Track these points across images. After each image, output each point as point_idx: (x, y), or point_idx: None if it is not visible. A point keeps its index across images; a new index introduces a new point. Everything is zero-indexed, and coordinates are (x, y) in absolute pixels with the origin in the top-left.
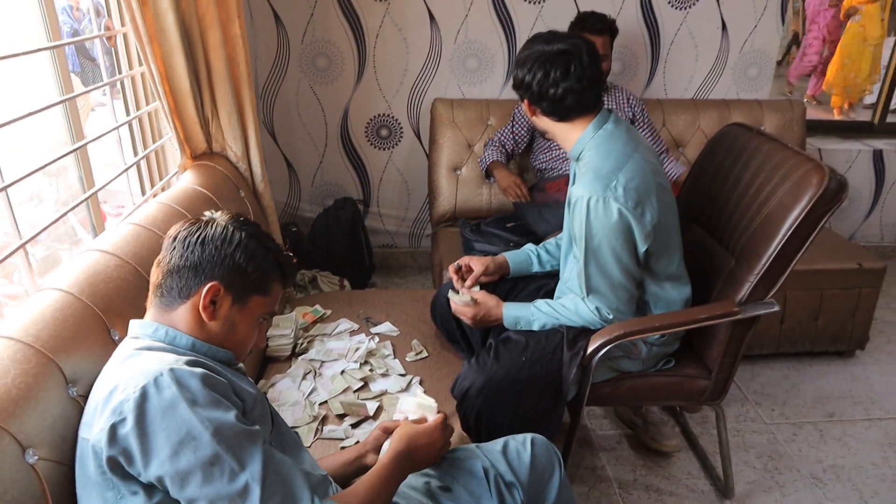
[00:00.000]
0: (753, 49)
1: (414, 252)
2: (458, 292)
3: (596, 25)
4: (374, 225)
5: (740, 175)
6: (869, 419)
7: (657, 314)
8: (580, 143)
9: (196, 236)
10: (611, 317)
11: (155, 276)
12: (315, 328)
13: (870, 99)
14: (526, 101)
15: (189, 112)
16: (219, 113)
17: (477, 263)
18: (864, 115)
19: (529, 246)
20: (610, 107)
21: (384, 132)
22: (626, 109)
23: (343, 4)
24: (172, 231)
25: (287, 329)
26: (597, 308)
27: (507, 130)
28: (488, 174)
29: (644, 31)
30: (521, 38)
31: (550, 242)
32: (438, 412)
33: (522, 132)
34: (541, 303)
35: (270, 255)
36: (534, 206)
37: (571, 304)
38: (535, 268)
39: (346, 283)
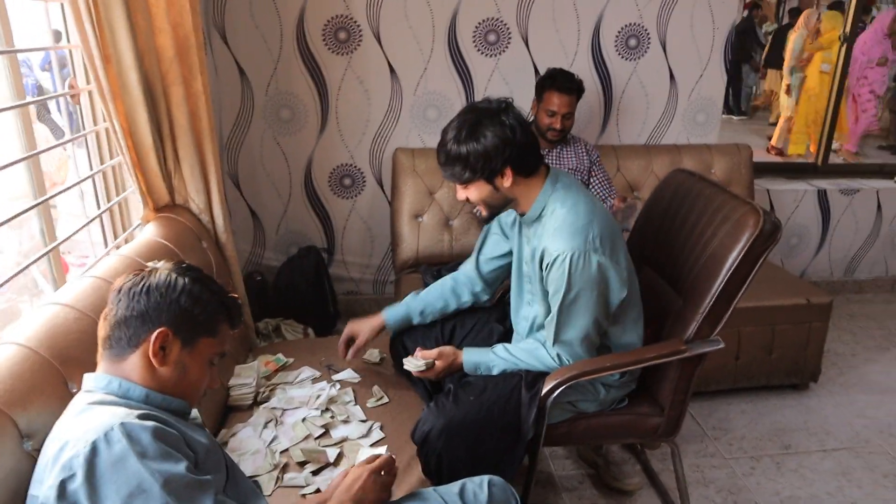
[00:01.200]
0: (701, 97)
1: (378, 298)
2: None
3: (566, 84)
4: (338, 272)
5: (685, 218)
6: (823, 450)
7: (609, 355)
8: (541, 200)
9: (140, 286)
10: (570, 363)
11: (103, 329)
12: (277, 377)
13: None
14: (480, 179)
15: (151, 166)
16: (181, 166)
17: (362, 332)
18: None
19: (410, 301)
20: (571, 158)
21: (347, 181)
22: (584, 159)
23: (305, 58)
24: (117, 283)
25: (249, 378)
26: (558, 355)
27: None
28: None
29: (596, 81)
30: (479, 89)
31: (430, 293)
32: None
33: None
34: (500, 348)
35: (215, 297)
36: None
37: (531, 351)
38: (416, 320)
39: (310, 331)
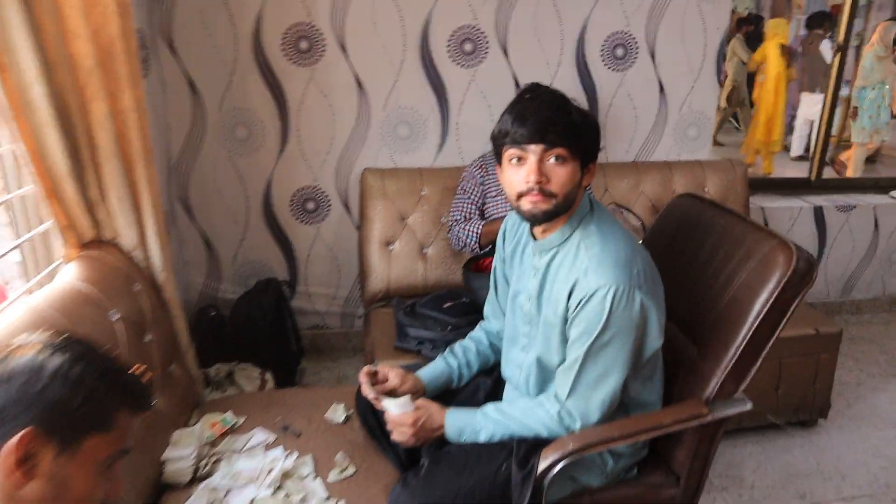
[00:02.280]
0: (692, 110)
1: (347, 332)
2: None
3: None
4: (302, 305)
5: (696, 252)
6: (842, 499)
7: (618, 421)
8: (573, 223)
9: None
10: (577, 426)
11: None
12: (224, 442)
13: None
14: (579, 161)
15: (69, 195)
16: (107, 195)
17: (393, 375)
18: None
19: (450, 361)
20: None
21: (311, 205)
22: None
23: (263, 71)
24: None
25: (188, 447)
26: (567, 414)
27: (464, 201)
28: (484, 243)
29: (581, 94)
30: (454, 104)
31: (469, 350)
32: None
33: (478, 198)
34: (490, 408)
35: (108, 377)
36: (486, 278)
37: (527, 411)
38: (455, 385)
39: (268, 376)
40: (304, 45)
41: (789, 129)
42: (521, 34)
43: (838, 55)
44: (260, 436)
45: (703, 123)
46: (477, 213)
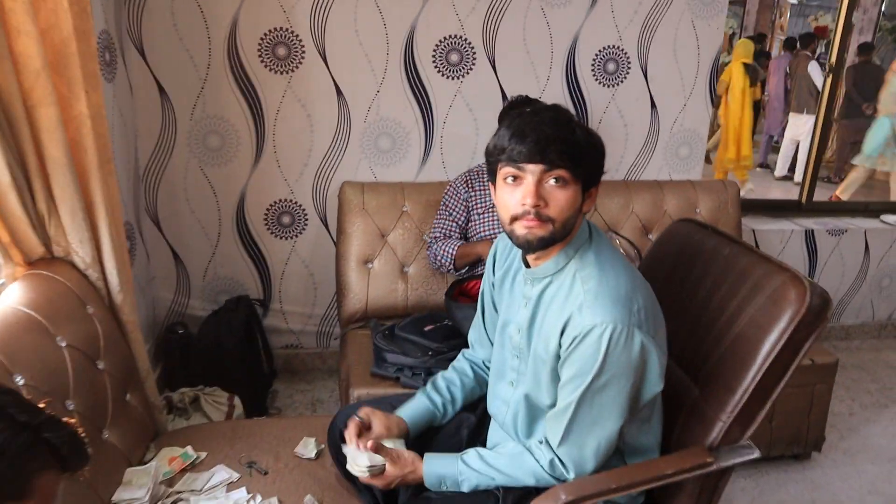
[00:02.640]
0: (684, 128)
1: (322, 353)
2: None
3: None
4: (275, 323)
5: (697, 283)
6: None
7: (615, 469)
8: (569, 251)
9: None
10: (570, 476)
11: None
12: (182, 480)
13: None
14: (580, 184)
15: (13, 209)
16: (58, 209)
17: (377, 423)
18: None
19: (429, 392)
20: None
21: (286, 219)
22: None
23: (238, 77)
24: None
25: (141, 489)
26: (559, 463)
27: (445, 219)
28: (459, 265)
29: (571, 108)
30: (439, 115)
31: (453, 383)
32: None
33: (460, 215)
34: (472, 456)
35: (25, 434)
36: (470, 309)
37: (514, 458)
38: (438, 422)
39: (236, 402)
40: (281, 51)
41: (772, 148)
42: (510, 45)
43: (830, 77)
44: (222, 474)
45: (695, 142)
46: (458, 231)
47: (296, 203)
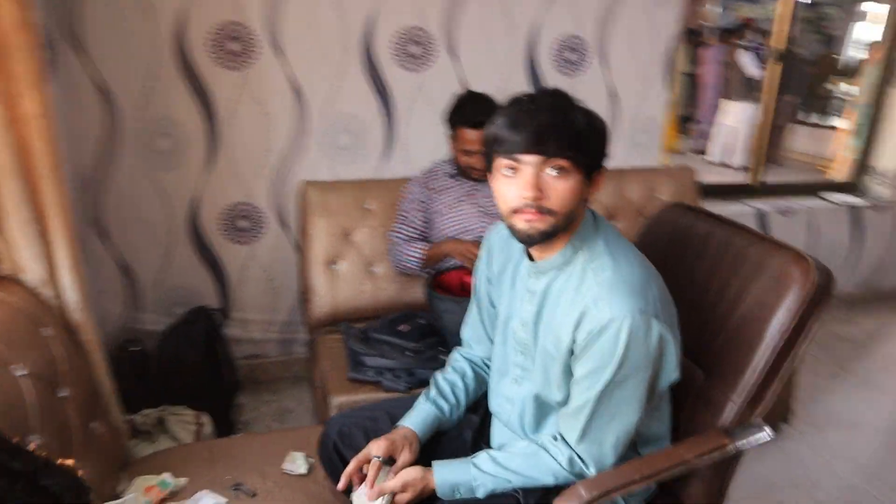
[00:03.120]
0: (643, 116)
1: (287, 360)
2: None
3: (476, 118)
4: (236, 333)
5: (693, 269)
6: None
7: (634, 460)
8: (576, 242)
9: None
10: (590, 472)
11: None
12: None
13: None
14: (583, 172)
15: None
16: (5, 222)
17: (376, 449)
18: None
19: (434, 398)
20: None
21: (243, 223)
22: None
23: (188, 74)
24: None
25: None
26: (578, 459)
27: (404, 224)
28: (426, 266)
29: None
30: (401, 111)
31: (456, 386)
32: None
33: (418, 220)
34: (484, 459)
35: (21, 484)
36: (453, 302)
37: (529, 457)
38: (446, 427)
39: (204, 419)
40: (234, 46)
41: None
42: (471, 36)
43: (780, 64)
44: (208, 500)
45: (653, 130)
46: (418, 234)
47: (253, 206)
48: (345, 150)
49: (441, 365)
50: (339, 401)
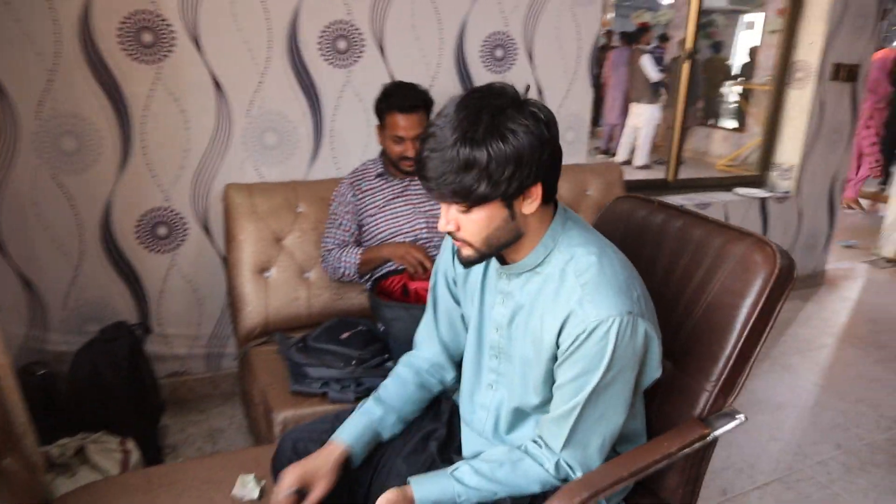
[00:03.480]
0: (569, 113)
1: (214, 377)
2: None
3: (407, 102)
4: (157, 349)
5: (652, 261)
6: (757, 487)
7: (620, 457)
8: (548, 242)
9: None
10: (576, 476)
11: None
12: None
13: None
14: (497, 199)
15: None
16: None
17: (316, 486)
18: None
19: (367, 407)
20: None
21: (162, 231)
22: None
23: (96, 68)
24: None
25: None
26: (565, 465)
27: (336, 228)
28: (363, 272)
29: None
30: (328, 107)
31: (395, 393)
32: None
33: (351, 223)
34: (465, 471)
35: None
36: (401, 308)
37: (512, 465)
38: (386, 437)
39: (130, 446)
40: (147, 37)
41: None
42: (399, 32)
43: (687, 64)
44: None
45: (580, 127)
46: (352, 239)
47: (172, 211)
48: (271, 150)
49: (387, 374)
50: (285, 416)
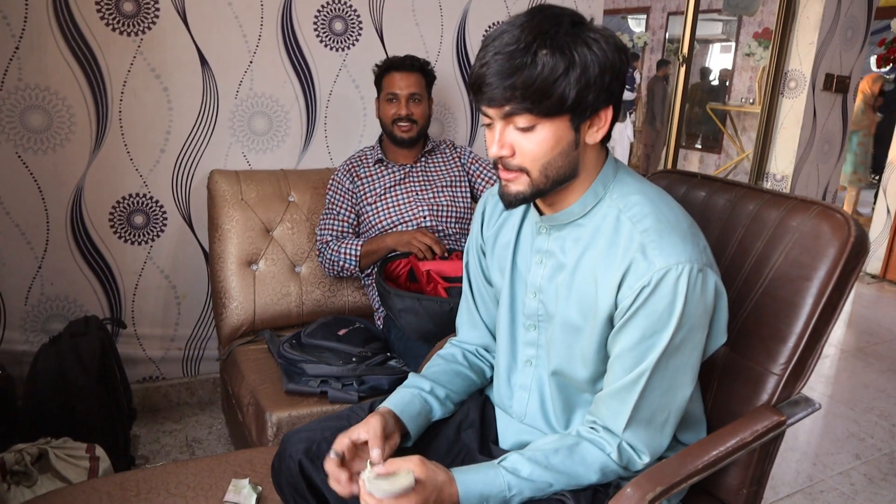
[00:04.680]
0: None
1: (191, 383)
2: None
3: (404, 62)
4: (129, 352)
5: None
6: (780, 499)
7: (687, 448)
8: (597, 188)
9: None
10: (644, 461)
11: None
12: None
13: None
14: (566, 115)
15: None
16: None
17: (363, 431)
18: None
19: (416, 381)
20: (439, 168)
21: (139, 219)
22: (454, 165)
23: (69, 35)
24: None
25: None
26: (629, 448)
27: (332, 218)
28: (364, 265)
29: (462, 84)
30: (322, 92)
31: (443, 371)
32: None
33: (349, 211)
34: (515, 461)
35: None
36: (412, 299)
37: (568, 451)
38: (437, 415)
39: (99, 452)
40: (128, 6)
41: None
42: (398, 16)
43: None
44: None
45: None
46: (350, 230)
47: (151, 198)
48: (260, 136)
49: (392, 372)
50: (279, 417)
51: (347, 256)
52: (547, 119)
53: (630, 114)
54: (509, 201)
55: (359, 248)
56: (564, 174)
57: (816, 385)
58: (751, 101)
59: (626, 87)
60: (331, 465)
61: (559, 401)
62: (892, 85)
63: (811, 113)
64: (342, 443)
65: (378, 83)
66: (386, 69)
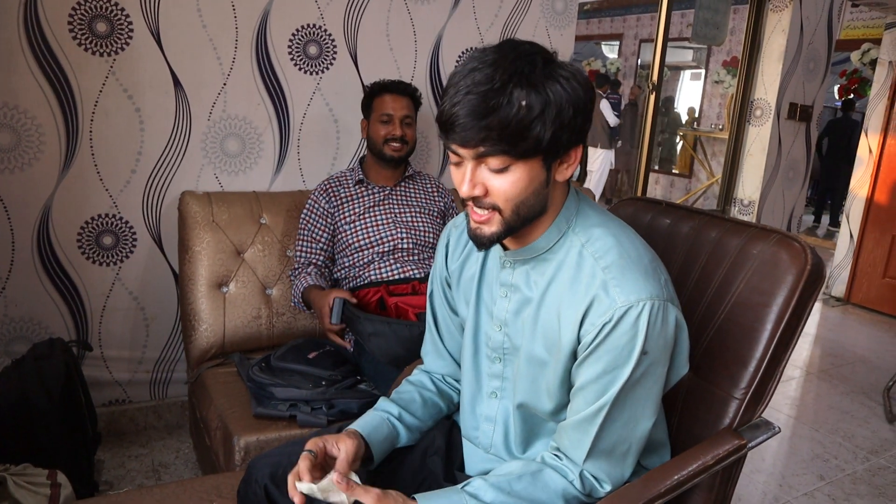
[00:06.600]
0: None
1: (158, 406)
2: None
3: (398, 86)
4: (95, 374)
5: (666, 262)
6: None
7: (650, 472)
8: (561, 223)
9: None
10: (606, 490)
11: None
12: None
13: None
14: (538, 156)
15: None
16: None
17: (336, 449)
18: None
19: (386, 405)
20: (419, 194)
21: (108, 240)
22: (434, 198)
23: (39, 54)
24: None
25: None
26: (591, 477)
27: (306, 241)
28: (310, 307)
29: (433, 109)
30: (296, 114)
31: (412, 399)
32: None
33: (324, 232)
34: (479, 485)
35: None
36: (382, 322)
37: (533, 478)
38: (403, 441)
39: (61, 479)
40: (101, 27)
41: None
42: (372, 40)
43: (652, 97)
44: None
45: None
46: (323, 254)
47: (120, 219)
48: (233, 158)
49: (362, 395)
50: (247, 441)
51: (295, 290)
52: (521, 160)
53: (618, 140)
54: (482, 243)
55: (305, 286)
56: (535, 212)
57: (782, 407)
58: (720, 126)
59: (614, 112)
60: (304, 462)
61: (522, 430)
62: (840, 114)
63: (776, 140)
64: (317, 444)
65: (367, 105)
66: (378, 91)
